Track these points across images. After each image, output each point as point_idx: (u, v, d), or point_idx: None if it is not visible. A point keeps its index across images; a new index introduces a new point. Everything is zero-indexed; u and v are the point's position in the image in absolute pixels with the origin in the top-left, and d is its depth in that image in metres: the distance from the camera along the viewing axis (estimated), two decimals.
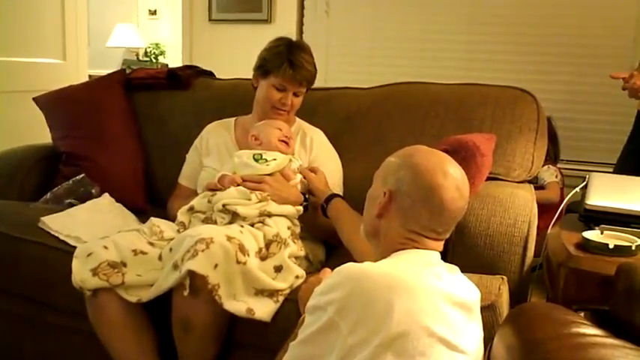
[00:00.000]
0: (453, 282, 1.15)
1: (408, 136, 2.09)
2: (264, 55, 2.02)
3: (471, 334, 1.14)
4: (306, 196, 1.89)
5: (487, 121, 2.04)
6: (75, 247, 1.70)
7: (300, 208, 1.82)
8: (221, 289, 1.49)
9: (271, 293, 1.59)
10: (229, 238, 1.54)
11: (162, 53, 6.41)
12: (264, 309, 1.56)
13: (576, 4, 3.41)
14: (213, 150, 2.10)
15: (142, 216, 2.08)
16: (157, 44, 6.42)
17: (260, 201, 1.75)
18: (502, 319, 1.38)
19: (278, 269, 1.63)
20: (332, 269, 1.17)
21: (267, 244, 1.67)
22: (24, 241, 1.89)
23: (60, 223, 1.94)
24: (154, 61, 6.29)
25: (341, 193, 1.94)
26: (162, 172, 2.41)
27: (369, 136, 2.18)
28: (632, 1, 3.29)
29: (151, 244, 1.71)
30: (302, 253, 1.76)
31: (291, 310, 1.55)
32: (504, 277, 1.54)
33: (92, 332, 1.68)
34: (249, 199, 1.75)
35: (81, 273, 1.59)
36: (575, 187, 1.85)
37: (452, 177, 1.21)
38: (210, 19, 4.24)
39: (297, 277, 1.65)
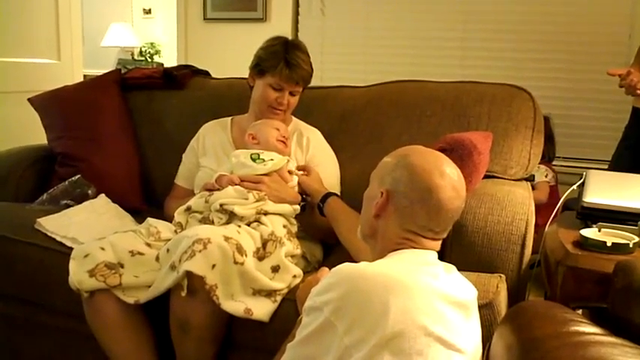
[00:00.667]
0: (449, 281, 1.16)
1: (405, 135, 2.09)
2: (261, 54, 2.01)
3: (468, 333, 1.14)
4: (304, 195, 1.89)
5: (483, 118, 2.04)
6: (71, 249, 1.69)
7: (297, 207, 1.82)
8: (219, 290, 1.49)
9: (269, 293, 1.59)
10: (227, 239, 1.53)
11: (157, 52, 6.39)
12: (262, 309, 1.55)
13: (571, 1, 3.42)
14: (210, 150, 2.10)
15: (139, 216, 2.07)
16: (151, 43, 6.40)
17: (257, 200, 1.75)
18: (500, 318, 1.38)
19: (275, 269, 1.63)
20: (330, 268, 1.17)
21: (264, 244, 1.66)
22: (20, 242, 1.89)
23: (56, 225, 1.93)
24: (149, 60, 6.27)
25: (338, 193, 1.94)
26: (158, 172, 2.40)
27: (365, 135, 2.17)
28: None
29: (148, 244, 1.70)
30: (298, 251, 1.76)
31: (289, 310, 1.55)
32: (502, 275, 1.54)
33: (90, 334, 1.67)
34: (247, 199, 1.74)
35: (78, 274, 1.59)
36: (572, 185, 1.85)
37: (448, 176, 1.21)
38: (205, 18, 4.23)
39: (294, 276, 1.65)
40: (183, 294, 1.48)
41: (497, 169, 1.95)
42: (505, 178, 1.93)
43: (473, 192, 1.69)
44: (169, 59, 5.79)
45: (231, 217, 1.74)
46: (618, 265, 1.31)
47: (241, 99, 2.17)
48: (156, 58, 6.34)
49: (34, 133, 2.53)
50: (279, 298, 1.60)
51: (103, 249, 1.62)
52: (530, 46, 3.50)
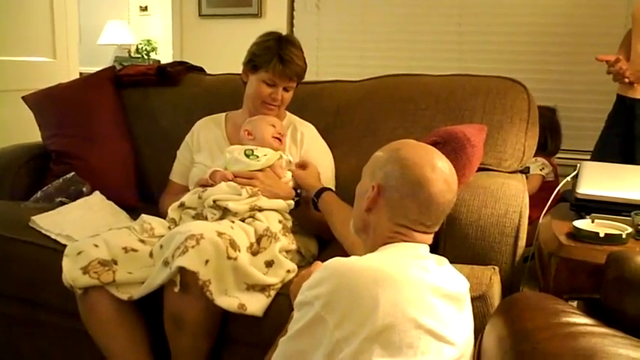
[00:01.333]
0: (441, 274, 1.15)
1: (399, 129, 2.08)
2: (254, 50, 2.00)
3: (460, 325, 1.14)
4: (298, 190, 1.89)
5: (478, 111, 2.04)
6: (66, 246, 1.68)
7: (292, 202, 1.82)
8: (212, 285, 1.49)
9: (263, 288, 1.58)
10: (220, 234, 1.53)
11: (153, 49, 6.39)
12: (256, 304, 1.56)
13: None
14: (205, 146, 2.09)
15: (134, 213, 2.07)
16: (148, 41, 6.39)
17: (251, 196, 1.75)
18: (493, 310, 1.38)
19: (269, 264, 1.63)
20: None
21: (258, 239, 1.66)
22: (15, 240, 1.89)
23: (51, 222, 1.93)
24: (146, 57, 6.27)
25: (333, 187, 1.94)
26: (153, 169, 2.40)
27: (359, 129, 2.17)
28: None
29: (142, 241, 1.70)
30: (293, 246, 1.76)
31: (283, 305, 1.55)
32: (496, 267, 1.54)
33: (86, 331, 1.67)
34: (240, 195, 1.74)
35: (71, 271, 1.59)
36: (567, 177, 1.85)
37: (440, 170, 1.21)
38: (200, 15, 4.22)
39: (288, 271, 1.64)
40: (177, 290, 1.49)
41: (492, 161, 1.95)
42: (500, 171, 1.93)
43: (467, 185, 1.69)
44: (166, 56, 5.79)
45: (225, 213, 1.74)
46: (610, 256, 1.31)
47: (236, 95, 2.17)
48: (152, 55, 6.33)
49: (28, 132, 2.53)
50: (273, 293, 1.60)
51: (96, 246, 1.62)
52: (527, 38, 3.48)
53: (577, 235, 1.50)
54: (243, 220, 1.71)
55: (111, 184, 2.25)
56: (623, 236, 1.47)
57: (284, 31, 2.07)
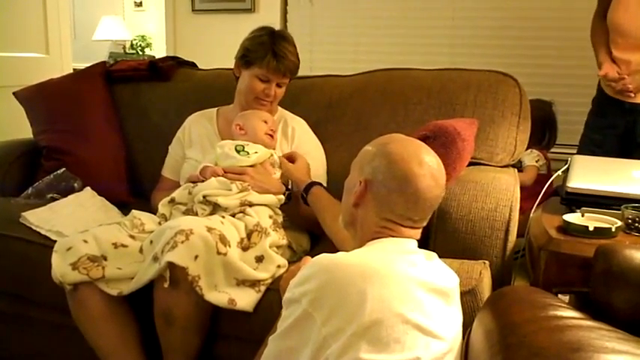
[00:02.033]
0: (429, 269, 1.15)
1: (391, 123, 2.08)
2: (247, 45, 1.99)
3: (448, 320, 1.13)
4: (289, 186, 1.88)
5: (470, 105, 2.03)
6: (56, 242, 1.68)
7: (282, 197, 1.81)
8: (202, 281, 1.49)
9: (253, 283, 1.58)
10: (209, 229, 1.53)
11: (148, 45, 6.36)
12: (246, 299, 1.55)
13: None
14: (196, 141, 2.09)
15: (126, 209, 2.05)
16: (142, 36, 6.37)
17: (241, 191, 1.74)
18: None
19: (259, 259, 1.63)
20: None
21: (249, 234, 1.66)
22: (5, 236, 1.88)
23: (41, 218, 1.92)
24: (141, 53, 6.24)
25: (324, 183, 1.93)
26: (144, 165, 2.39)
27: (351, 124, 2.16)
28: None
29: (132, 237, 1.70)
30: (284, 241, 1.75)
31: (273, 300, 1.55)
32: (486, 261, 1.54)
33: (76, 327, 1.67)
34: (230, 190, 1.74)
35: (61, 267, 1.58)
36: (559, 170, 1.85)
37: (427, 165, 1.20)
38: (193, 10, 4.21)
39: (278, 266, 1.64)
40: (166, 285, 1.48)
41: (483, 155, 1.95)
42: (491, 165, 1.93)
43: (457, 179, 1.68)
44: (160, 52, 5.75)
45: (215, 208, 1.73)
46: (599, 249, 1.31)
47: (227, 90, 2.16)
48: (147, 51, 6.30)
49: (20, 128, 2.52)
50: (263, 288, 1.59)
51: (85, 242, 1.62)
52: (520, 33, 3.47)
53: (567, 228, 1.50)
54: (233, 216, 1.71)
55: (102, 179, 2.24)
56: (613, 230, 1.47)
57: (277, 26, 2.06)
